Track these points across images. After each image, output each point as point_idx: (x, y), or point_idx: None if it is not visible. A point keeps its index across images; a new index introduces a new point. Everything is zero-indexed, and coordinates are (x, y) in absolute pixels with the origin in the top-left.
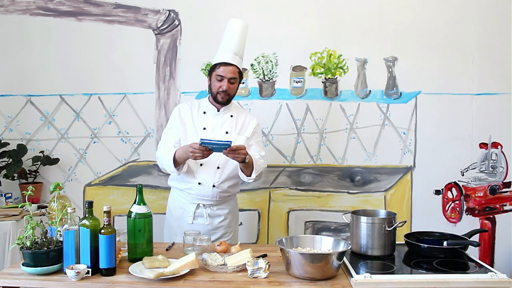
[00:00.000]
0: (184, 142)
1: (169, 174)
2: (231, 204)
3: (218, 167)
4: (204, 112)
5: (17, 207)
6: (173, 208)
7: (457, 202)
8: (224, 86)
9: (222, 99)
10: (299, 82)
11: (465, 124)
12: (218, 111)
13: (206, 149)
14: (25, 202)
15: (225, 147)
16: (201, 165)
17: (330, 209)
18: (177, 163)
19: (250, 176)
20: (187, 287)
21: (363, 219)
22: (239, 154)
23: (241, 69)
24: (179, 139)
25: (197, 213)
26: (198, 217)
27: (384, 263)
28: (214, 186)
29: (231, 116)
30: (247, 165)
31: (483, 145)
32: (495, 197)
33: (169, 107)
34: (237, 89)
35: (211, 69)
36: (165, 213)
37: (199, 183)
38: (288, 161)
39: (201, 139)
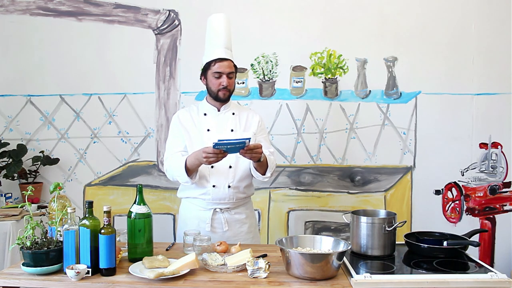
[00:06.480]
0: (189, 148)
1: (168, 178)
2: (247, 208)
3: (230, 166)
4: (205, 114)
5: (17, 207)
6: (188, 218)
7: (457, 202)
8: (225, 82)
9: (224, 96)
10: (299, 82)
11: (465, 124)
12: (219, 110)
13: (221, 151)
14: (25, 202)
15: (242, 146)
16: (212, 167)
17: (330, 209)
18: (190, 171)
19: (264, 174)
20: (187, 287)
21: (363, 219)
22: (257, 154)
23: (234, 63)
24: (184, 146)
25: (214, 219)
26: (216, 223)
27: (384, 263)
28: (229, 186)
29: (233, 113)
30: (261, 164)
31: (483, 145)
32: (495, 197)
33: (169, 107)
34: (235, 83)
35: (205, 69)
36: (165, 213)
37: (214, 186)
38: (288, 161)
39: (215, 142)
